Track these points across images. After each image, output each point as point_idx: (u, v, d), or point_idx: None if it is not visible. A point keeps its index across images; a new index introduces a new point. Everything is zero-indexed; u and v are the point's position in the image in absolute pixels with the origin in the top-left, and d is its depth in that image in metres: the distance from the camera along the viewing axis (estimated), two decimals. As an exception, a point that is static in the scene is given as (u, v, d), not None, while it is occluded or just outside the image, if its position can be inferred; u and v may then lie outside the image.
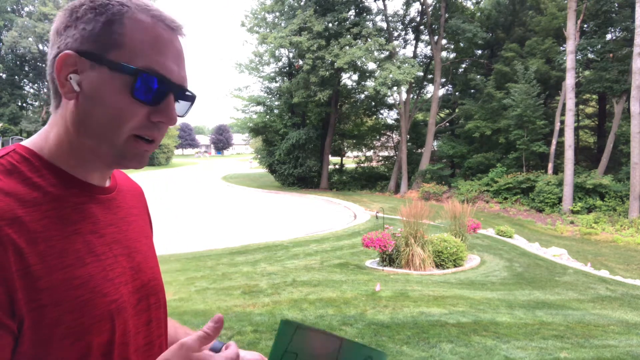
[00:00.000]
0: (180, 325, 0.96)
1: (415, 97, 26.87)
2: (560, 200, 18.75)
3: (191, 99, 0.75)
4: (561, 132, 20.19)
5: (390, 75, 20.15)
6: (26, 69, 36.08)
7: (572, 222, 17.16)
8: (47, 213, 0.63)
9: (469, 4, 26.85)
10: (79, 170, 0.70)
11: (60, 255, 0.62)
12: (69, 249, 0.63)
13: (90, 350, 0.63)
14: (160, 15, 0.69)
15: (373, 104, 27.76)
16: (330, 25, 21.72)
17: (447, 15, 23.37)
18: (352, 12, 24.05)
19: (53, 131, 0.69)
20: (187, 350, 0.62)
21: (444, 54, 26.42)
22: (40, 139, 0.70)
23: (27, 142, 0.70)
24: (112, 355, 0.66)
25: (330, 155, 27.04)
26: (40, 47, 33.85)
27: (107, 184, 0.77)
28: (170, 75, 0.68)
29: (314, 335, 0.75)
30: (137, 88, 0.65)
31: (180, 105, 0.73)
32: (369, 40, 21.13)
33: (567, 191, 18.29)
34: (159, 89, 0.67)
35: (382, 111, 30.05)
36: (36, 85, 36.97)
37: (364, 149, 31.31)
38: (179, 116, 0.73)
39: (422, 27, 26.05)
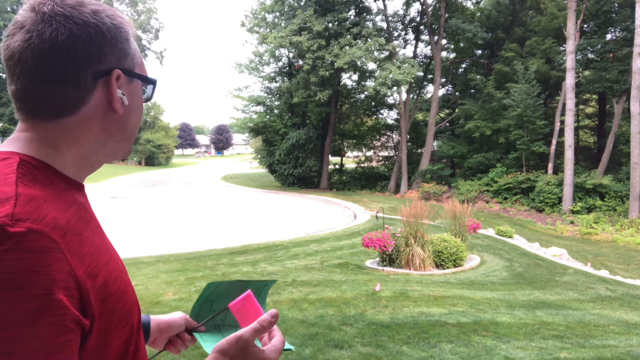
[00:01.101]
0: None
1: (415, 97, 26.88)
2: (560, 200, 18.75)
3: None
4: (561, 132, 20.19)
5: (390, 75, 20.15)
6: (26, 69, 36.02)
7: (572, 222, 17.16)
8: (75, 215, 0.66)
9: (469, 4, 26.86)
10: (79, 172, 0.73)
11: (98, 253, 0.66)
12: (98, 247, 0.68)
13: (132, 330, 0.72)
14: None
15: (373, 104, 27.77)
16: (330, 25, 21.73)
17: (447, 15, 23.37)
18: (352, 12, 24.06)
19: (67, 139, 0.69)
20: (245, 343, 0.74)
21: (444, 54, 26.43)
22: (32, 145, 0.68)
23: (23, 151, 0.67)
24: (139, 335, 0.75)
25: (330, 155, 27.05)
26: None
27: None
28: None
29: (227, 285, 0.95)
30: (150, 94, 0.81)
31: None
32: (369, 40, 21.14)
33: (567, 191, 18.30)
34: (153, 90, 0.81)
35: (382, 111, 30.10)
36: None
37: (364, 149, 31.32)
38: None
39: (422, 27, 26.06)
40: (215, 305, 0.97)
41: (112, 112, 0.72)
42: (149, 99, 0.82)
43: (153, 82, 0.80)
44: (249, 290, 0.84)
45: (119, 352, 0.69)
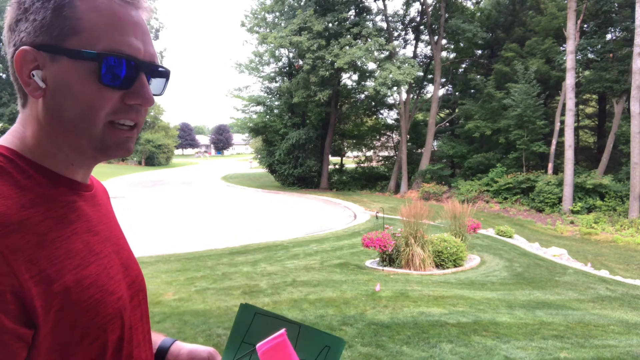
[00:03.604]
0: None
1: (415, 97, 26.87)
2: (560, 200, 18.75)
3: (165, 74, 0.72)
4: (561, 132, 20.19)
5: (390, 76, 20.15)
6: (26, 69, 36.02)
7: (572, 222, 17.16)
8: (47, 214, 0.61)
9: (469, 4, 26.85)
10: (64, 168, 0.67)
11: (67, 256, 0.60)
12: (73, 249, 0.62)
13: (106, 348, 0.63)
14: None
15: (373, 104, 27.76)
16: (330, 25, 21.73)
17: (447, 15, 23.37)
18: (352, 12, 24.06)
19: (28, 130, 0.65)
20: None
21: (444, 54, 26.42)
22: (15, 138, 0.66)
23: (3, 142, 0.65)
24: (123, 352, 0.67)
25: (330, 155, 27.05)
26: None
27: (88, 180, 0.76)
28: (137, 53, 0.65)
29: (272, 322, 0.75)
30: (104, 73, 0.62)
31: (155, 83, 0.71)
32: (369, 40, 21.13)
33: (567, 191, 18.29)
34: (128, 71, 0.64)
35: (382, 111, 30.08)
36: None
37: (364, 149, 31.32)
38: (156, 95, 0.71)
39: (422, 27, 26.05)
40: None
41: (33, 99, 0.64)
42: (122, 85, 0.64)
43: (100, 58, 0.61)
44: (283, 331, 0.70)
45: None
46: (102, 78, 0.62)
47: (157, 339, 0.91)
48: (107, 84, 0.62)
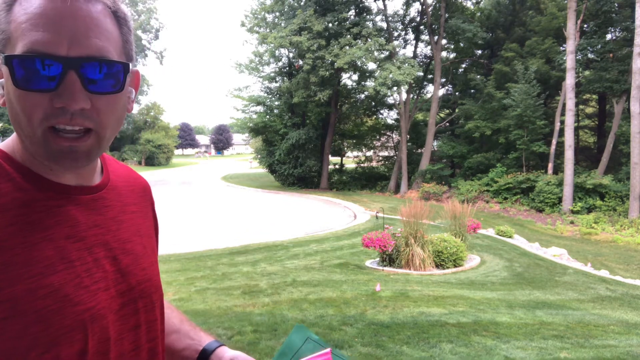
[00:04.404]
0: (186, 318, 0.95)
1: (415, 97, 26.87)
2: (560, 200, 18.75)
3: (113, 68, 0.62)
4: (561, 132, 20.18)
5: (390, 76, 20.15)
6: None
7: (572, 222, 17.16)
8: (14, 219, 0.59)
9: (469, 4, 26.85)
10: (49, 172, 0.65)
11: (25, 264, 0.58)
12: (36, 257, 0.59)
13: None
14: None
15: (373, 104, 27.76)
16: (330, 25, 21.73)
17: (447, 15, 23.37)
18: (352, 12, 24.06)
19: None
20: None
21: (444, 54, 26.42)
22: (12, 141, 0.66)
23: (2, 144, 0.66)
24: None
25: (330, 155, 27.05)
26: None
27: (96, 181, 0.73)
28: (56, 50, 0.58)
29: (320, 349, 0.80)
30: (17, 77, 0.58)
31: (102, 80, 0.62)
32: (369, 40, 21.13)
33: (567, 191, 18.29)
34: (44, 71, 0.58)
35: (382, 111, 30.09)
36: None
37: (364, 149, 31.32)
38: (108, 92, 0.63)
39: (422, 27, 26.05)
40: None
41: None
42: (43, 87, 0.58)
43: (9, 61, 0.58)
44: (329, 350, 0.74)
45: None
46: (16, 82, 0.58)
47: (204, 340, 0.90)
48: (23, 87, 0.58)
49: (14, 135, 0.66)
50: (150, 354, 0.75)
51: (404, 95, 24.64)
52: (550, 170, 20.48)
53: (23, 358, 0.56)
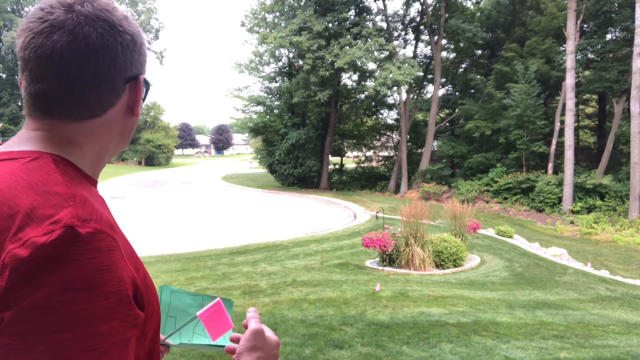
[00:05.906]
0: None
1: (415, 97, 26.87)
2: (560, 200, 18.75)
3: None
4: (561, 132, 20.19)
5: (390, 76, 20.15)
6: (26, 69, 36.05)
7: (572, 222, 17.16)
8: (109, 212, 0.68)
9: (469, 4, 26.85)
10: (93, 172, 0.73)
11: (131, 254, 0.67)
12: (130, 249, 0.68)
13: (158, 319, 0.73)
14: None
15: (373, 104, 27.77)
16: (330, 25, 21.73)
17: (447, 15, 23.37)
18: (352, 12, 24.05)
19: (90, 140, 0.70)
20: (262, 335, 0.80)
21: (444, 54, 26.43)
22: (68, 147, 0.68)
23: (52, 150, 0.66)
24: (157, 339, 0.75)
25: (330, 155, 27.05)
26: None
27: None
28: None
29: (185, 296, 0.98)
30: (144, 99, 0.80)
31: None
32: (369, 40, 21.13)
33: (567, 191, 18.29)
34: (147, 91, 0.81)
35: (382, 111, 30.09)
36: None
37: (364, 149, 31.32)
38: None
39: (422, 27, 26.04)
40: (179, 320, 0.96)
41: (130, 115, 0.75)
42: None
43: (149, 86, 0.81)
44: (218, 299, 0.86)
45: (151, 340, 0.71)
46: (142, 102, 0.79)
47: None
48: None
49: (53, 138, 0.67)
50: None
51: (404, 95, 24.64)
52: (550, 170, 20.48)
53: (150, 323, 0.68)
